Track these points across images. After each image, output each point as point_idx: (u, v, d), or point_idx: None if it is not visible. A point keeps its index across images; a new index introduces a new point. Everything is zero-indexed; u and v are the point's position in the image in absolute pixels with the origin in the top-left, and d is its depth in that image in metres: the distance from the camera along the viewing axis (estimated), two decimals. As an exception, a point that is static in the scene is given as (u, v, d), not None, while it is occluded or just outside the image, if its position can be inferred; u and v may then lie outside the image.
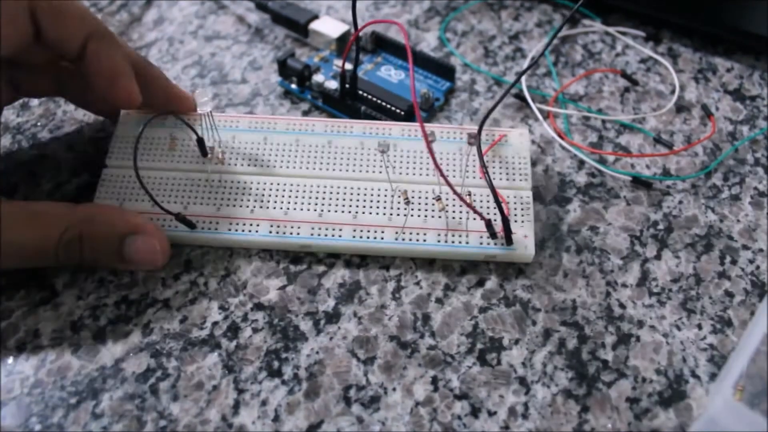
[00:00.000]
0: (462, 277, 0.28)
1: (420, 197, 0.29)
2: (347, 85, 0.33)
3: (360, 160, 0.30)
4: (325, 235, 0.28)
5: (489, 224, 0.27)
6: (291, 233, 0.28)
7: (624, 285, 0.28)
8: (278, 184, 0.29)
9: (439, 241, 0.28)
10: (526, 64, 0.37)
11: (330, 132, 0.31)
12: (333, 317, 0.27)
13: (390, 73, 0.37)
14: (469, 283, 0.28)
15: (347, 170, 0.30)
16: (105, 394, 0.25)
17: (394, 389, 0.25)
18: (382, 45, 0.37)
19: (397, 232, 0.28)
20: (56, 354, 0.26)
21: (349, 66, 0.34)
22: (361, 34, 0.40)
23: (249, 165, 0.30)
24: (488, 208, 0.29)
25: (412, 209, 0.29)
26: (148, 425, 0.24)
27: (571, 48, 0.38)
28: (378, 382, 0.25)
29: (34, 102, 0.35)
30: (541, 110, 0.35)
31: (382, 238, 0.28)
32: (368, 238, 0.28)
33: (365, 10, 0.40)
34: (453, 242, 0.28)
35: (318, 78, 0.34)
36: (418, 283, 0.28)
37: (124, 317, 0.27)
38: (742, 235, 0.30)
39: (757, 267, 0.29)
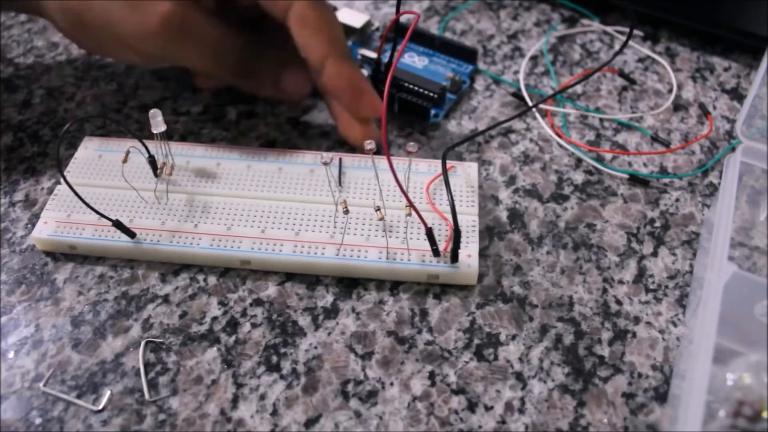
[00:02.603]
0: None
1: (364, 219, 0.29)
2: (381, 73, 0.34)
3: (308, 185, 0.30)
4: (266, 250, 0.28)
5: (430, 233, 0.27)
6: (232, 247, 0.28)
7: (621, 282, 0.29)
8: (225, 203, 0.30)
9: (380, 258, 0.28)
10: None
11: (281, 160, 0.31)
12: (331, 313, 0.27)
13: (414, 60, 0.37)
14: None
15: (294, 193, 0.30)
16: (105, 389, 0.25)
17: (391, 384, 0.26)
18: (401, 34, 0.37)
19: (338, 248, 0.28)
20: (57, 349, 0.26)
21: (371, 54, 0.35)
22: (379, 24, 0.40)
23: (199, 186, 0.30)
24: (438, 227, 0.29)
25: (355, 229, 0.29)
26: (147, 419, 0.24)
27: (569, 47, 0.39)
28: (376, 376, 0.26)
29: (36, 100, 0.35)
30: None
31: (323, 254, 0.28)
32: (309, 253, 0.28)
33: (365, 8, 0.40)
34: (394, 259, 0.28)
35: None
36: (416, 280, 0.28)
37: (124, 312, 0.27)
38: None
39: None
